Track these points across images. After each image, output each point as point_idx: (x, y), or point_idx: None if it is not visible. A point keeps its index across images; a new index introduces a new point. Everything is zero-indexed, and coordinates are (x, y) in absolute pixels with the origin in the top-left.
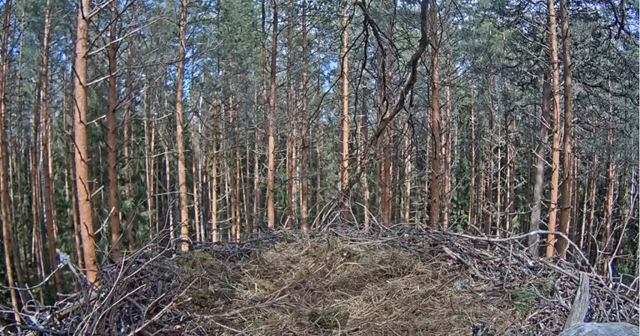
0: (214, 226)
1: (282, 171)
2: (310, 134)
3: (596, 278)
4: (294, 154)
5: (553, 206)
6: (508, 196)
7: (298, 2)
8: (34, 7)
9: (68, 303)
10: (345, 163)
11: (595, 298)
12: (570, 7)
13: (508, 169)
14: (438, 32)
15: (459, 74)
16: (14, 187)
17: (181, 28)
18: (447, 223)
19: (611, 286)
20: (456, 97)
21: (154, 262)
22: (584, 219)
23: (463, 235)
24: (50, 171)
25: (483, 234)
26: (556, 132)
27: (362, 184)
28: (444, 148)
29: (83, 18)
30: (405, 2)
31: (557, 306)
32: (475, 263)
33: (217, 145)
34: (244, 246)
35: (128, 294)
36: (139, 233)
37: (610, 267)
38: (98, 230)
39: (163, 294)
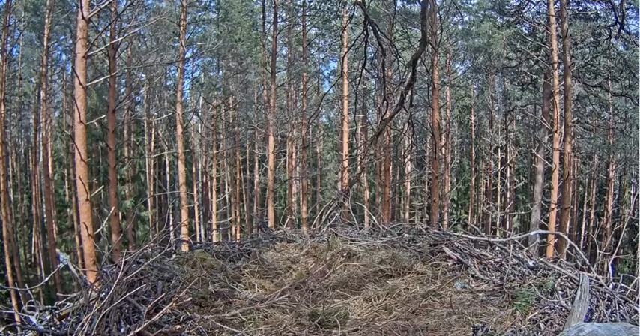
0: (214, 226)
1: (282, 171)
2: (310, 134)
3: (596, 278)
4: (294, 154)
5: (553, 206)
6: (508, 196)
7: (298, 2)
8: (34, 7)
9: (68, 303)
10: (345, 163)
11: (595, 298)
12: (570, 7)
13: (508, 169)
14: (438, 32)
15: (459, 74)
16: (14, 187)
17: (181, 28)
18: (447, 223)
19: (611, 286)
20: (456, 97)
21: (154, 262)
22: (584, 219)
23: (463, 235)
24: (50, 171)
25: (483, 234)
26: (556, 132)
27: (362, 184)
28: (444, 148)
29: (83, 18)
30: (405, 2)
31: (557, 306)
32: (475, 263)
33: (217, 145)
34: (244, 246)
35: (128, 294)
36: (139, 233)
37: (610, 267)
38: (98, 230)
39: (163, 294)
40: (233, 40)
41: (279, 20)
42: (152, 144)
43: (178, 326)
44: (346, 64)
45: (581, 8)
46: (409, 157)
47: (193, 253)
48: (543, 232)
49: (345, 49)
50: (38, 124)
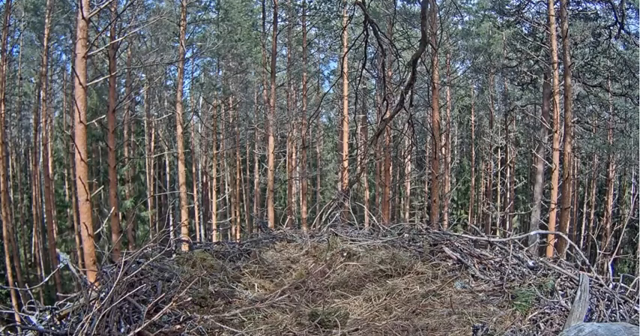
0: (214, 226)
1: (282, 171)
2: (310, 134)
3: (596, 278)
4: (294, 154)
5: (553, 206)
6: (508, 196)
7: (298, 2)
8: (34, 7)
9: (68, 303)
10: (345, 163)
11: (595, 298)
12: (570, 7)
13: (508, 169)
14: (438, 32)
15: (459, 74)
16: (14, 187)
17: (181, 28)
18: (447, 223)
19: (611, 286)
20: (455, 97)
21: (154, 262)
22: (584, 219)
23: (463, 235)
24: (50, 171)
25: (483, 234)
26: (556, 132)
27: (362, 184)
28: (444, 148)
29: (83, 18)
30: (405, 2)
31: (557, 306)
32: (475, 263)
33: (217, 145)
34: (244, 246)
35: (128, 294)
36: (139, 233)
37: (610, 267)
38: (98, 230)
39: (163, 294)
40: (233, 40)
41: (279, 20)
42: (152, 144)
43: (178, 326)
44: (346, 64)
45: (581, 8)
46: (409, 157)
47: (193, 253)
48: (543, 232)
49: (345, 49)
50: (38, 124)
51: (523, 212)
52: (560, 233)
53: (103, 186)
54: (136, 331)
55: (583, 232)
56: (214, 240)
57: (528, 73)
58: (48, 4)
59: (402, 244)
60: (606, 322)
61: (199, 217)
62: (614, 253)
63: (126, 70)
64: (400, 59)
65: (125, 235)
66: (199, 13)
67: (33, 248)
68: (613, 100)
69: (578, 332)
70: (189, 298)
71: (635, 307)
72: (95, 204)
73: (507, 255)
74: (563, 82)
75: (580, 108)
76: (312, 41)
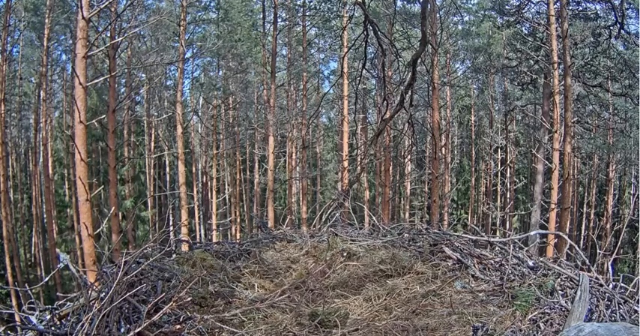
0: (214, 226)
1: (282, 171)
2: (310, 134)
3: (596, 278)
4: (294, 154)
5: (553, 206)
6: (508, 196)
7: (298, 2)
8: (34, 7)
9: (68, 303)
10: (345, 163)
11: (595, 298)
12: (570, 7)
13: (508, 169)
14: (438, 32)
15: (459, 74)
16: (14, 187)
17: (181, 28)
18: (447, 223)
19: (611, 286)
20: (455, 97)
21: (154, 262)
22: (584, 219)
23: (463, 235)
24: (50, 171)
25: (483, 234)
26: (556, 132)
27: (362, 184)
28: (444, 148)
29: (83, 18)
30: (405, 2)
31: (557, 306)
32: (475, 263)
33: (217, 145)
34: (244, 246)
35: (128, 294)
36: (139, 233)
37: (610, 267)
38: (98, 230)
39: (163, 294)
40: (233, 40)
41: (279, 20)
42: (152, 144)
43: (178, 326)
44: (346, 64)
45: (581, 8)
46: (409, 157)
47: (193, 253)
48: (543, 232)
49: (345, 49)
50: (38, 124)
51: (523, 212)
52: (560, 233)
53: (103, 186)
54: (136, 331)
55: (583, 232)
56: (214, 240)
57: (528, 73)
58: (48, 4)
59: (402, 244)
60: (606, 322)
61: (199, 217)
62: (614, 253)
63: (126, 70)
64: (400, 59)
65: (125, 235)
66: (199, 13)
67: (33, 248)
68: (613, 100)
69: (578, 332)
70: (189, 298)
71: (635, 307)
72: (95, 204)
73: (507, 255)
74: (563, 82)
75: (580, 108)
76: (312, 41)
